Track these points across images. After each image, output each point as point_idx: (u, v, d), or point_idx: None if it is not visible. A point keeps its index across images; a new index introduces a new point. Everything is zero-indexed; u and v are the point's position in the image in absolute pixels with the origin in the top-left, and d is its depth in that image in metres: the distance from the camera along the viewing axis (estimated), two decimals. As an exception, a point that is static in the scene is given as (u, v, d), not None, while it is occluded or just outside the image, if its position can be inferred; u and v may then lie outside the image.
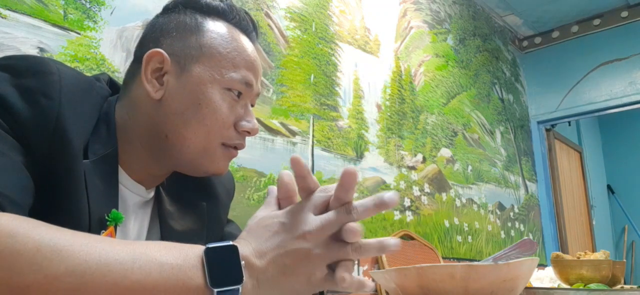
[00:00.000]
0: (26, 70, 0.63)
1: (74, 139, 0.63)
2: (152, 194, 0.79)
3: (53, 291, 0.44)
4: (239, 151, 0.77)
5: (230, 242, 0.51)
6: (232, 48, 0.74)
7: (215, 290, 0.48)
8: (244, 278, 0.50)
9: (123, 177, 0.74)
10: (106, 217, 0.67)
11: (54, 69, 0.64)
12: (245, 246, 0.52)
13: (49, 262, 0.45)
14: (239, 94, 0.74)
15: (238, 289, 0.49)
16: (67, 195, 0.63)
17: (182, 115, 0.71)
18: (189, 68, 0.72)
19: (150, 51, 0.72)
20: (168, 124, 0.71)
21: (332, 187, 0.55)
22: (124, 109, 0.74)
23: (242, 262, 0.50)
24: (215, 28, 0.75)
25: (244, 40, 0.77)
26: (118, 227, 0.71)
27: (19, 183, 0.57)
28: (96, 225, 0.66)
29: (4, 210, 0.51)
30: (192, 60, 0.72)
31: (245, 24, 0.79)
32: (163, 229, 0.78)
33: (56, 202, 0.63)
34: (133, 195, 0.75)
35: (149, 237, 0.79)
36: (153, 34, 0.76)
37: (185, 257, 0.50)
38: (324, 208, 0.55)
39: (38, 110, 0.61)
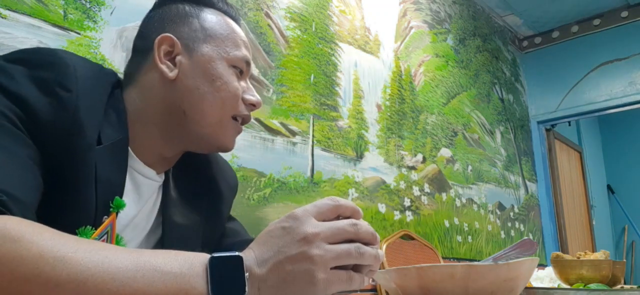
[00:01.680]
0: (41, 62, 0.64)
1: (88, 129, 0.65)
2: (162, 178, 0.81)
3: None
4: (243, 129, 0.83)
5: (236, 253, 0.52)
6: (230, 30, 0.81)
7: None
8: (247, 289, 0.50)
9: (135, 162, 0.75)
10: (110, 204, 0.68)
11: (68, 61, 0.65)
12: (249, 255, 0.52)
13: (51, 268, 0.45)
14: (241, 72, 0.81)
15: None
16: (76, 184, 0.64)
17: (198, 90, 0.76)
18: (198, 48, 0.77)
19: (160, 36, 0.76)
20: (185, 101, 0.76)
21: (343, 201, 0.57)
22: (134, 95, 0.77)
23: (247, 274, 0.50)
24: (211, 14, 0.81)
25: (235, 25, 0.84)
26: (132, 214, 0.74)
27: (27, 181, 0.57)
28: (101, 212, 0.67)
29: (10, 211, 0.51)
30: (199, 41, 0.78)
31: (232, 12, 0.86)
32: (165, 216, 0.80)
33: (65, 190, 0.63)
34: (146, 179, 0.77)
35: (156, 222, 0.81)
36: (154, 24, 0.80)
37: (190, 266, 0.50)
38: (329, 217, 0.56)
39: (56, 101, 0.62)
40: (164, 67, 0.75)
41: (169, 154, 0.80)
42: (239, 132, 0.82)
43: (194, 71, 0.76)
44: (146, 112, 0.76)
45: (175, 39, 0.77)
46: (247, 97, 0.80)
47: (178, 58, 0.76)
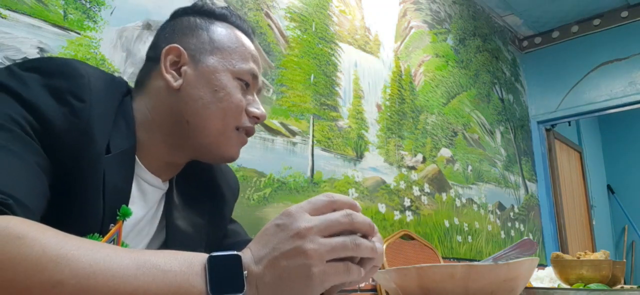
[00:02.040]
0: (56, 72, 0.65)
1: (99, 138, 0.66)
2: (167, 186, 0.83)
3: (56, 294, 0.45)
4: (248, 140, 0.83)
5: (235, 252, 0.52)
6: (239, 44, 0.82)
7: None
8: (245, 287, 0.50)
9: (142, 170, 0.77)
10: (117, 212, 0.69)
11: (82, 71, 0.66)
12: (247, 254, 0.52)
13: (54, 266, 0.45)
14: (247, 85, 0.81)
15: None
16: (85, 191, 0.65)
17: (201, 100, 0.77)
18: (203, 60, 0.79)
19: (168, 46, 0.79)
20: (189, 110, 0.77)
21: (338, 196, 0.57)
22: (143, 103, 0.78)
23: (245, 272, 0.50)
24: (222, 28, 0.83)
25: (246, 39, 0.85)
26: (136, 219, 0.75)
27: (33, 187, 0.57)
28: (108, 219, 0.68)
29: (14, 213, 0.52)
30: (205, 53, 0.80)
31: (245, 26, 0.86)
32: (168, 221, 0.81)
33: (73, 197, 0.64)
34: (151, 187, 0.79)
35: (159, 227, 0.82)
36: (166, 35, 0.82)
37: (189, 264, 0.50)
38: (323, 212, 0.55)
39: (69, 111, 0.63)
40: (169, 77, 0.77)
41: (177, 160, 0.81)
42: (243, 143, 0.82)
43: (198, 81, 0.78)
44: (153, 121, 0.78)
45: (182, 49, 0.79)
46: (251, 109, 0.81)
47: (184, 68, 0.78)
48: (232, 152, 0.81)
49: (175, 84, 0.77)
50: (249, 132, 0.82)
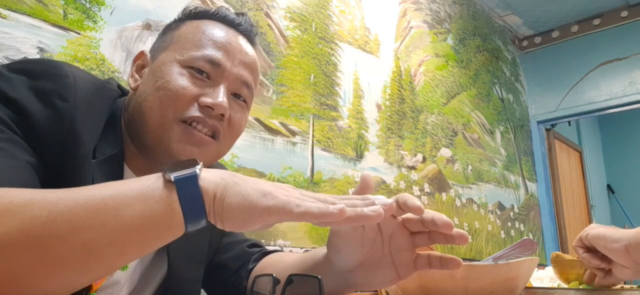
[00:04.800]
0: (42, 73, 0.65)
1: (85, 140, 0.65)
2: None
3: (32, 228, 0.46)
4: (214, 137, 0.75)
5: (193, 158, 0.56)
6: (201, 33, 0.77)
7: (172, 175, 0.51)
8: (199, 166, 0.53)
9: (130, 176, 0.76)
10: None
11: (68, 72, 0.66)
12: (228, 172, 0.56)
13: (22, 208, 0.47)
14: (206, 75, 0.74)
15: (195, 172, 0.52)
16: None
17: (143, 94, 0.74)
18: (157, 56, 0.77)
19: (138, 52, 0.80)
20: (136, 107, 0.75)
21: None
22: (126, 108, 0.78)
23: (200, 165, 0.53)
24: (195, 22, 0.79)
25: (222, 29, 0.79)
26: None
27: (25, 184, 0.57)
28: None
29: None
30: (162, 50, 0.77)
31: (229, 19, 0.80)
32: None
33: None
34: None
35: None
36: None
37: (150, 176, 0.54)
38: None
39: (53, 112, 0.63)
40: (131, 80, 0.78)
41: (156, 166, 0.76)
42: (195, 140, 0.73)
43: (147, 78, 0.75)
44: (127, 126, 0.76)
45: (146, 52, 0.79)
46: (202, 99, 0.72)
47: (144, 70, 0.78)
48: (177, 148, 0.72)
49: (133, 85, 0.77)
50: (200, 123, 0.73)
